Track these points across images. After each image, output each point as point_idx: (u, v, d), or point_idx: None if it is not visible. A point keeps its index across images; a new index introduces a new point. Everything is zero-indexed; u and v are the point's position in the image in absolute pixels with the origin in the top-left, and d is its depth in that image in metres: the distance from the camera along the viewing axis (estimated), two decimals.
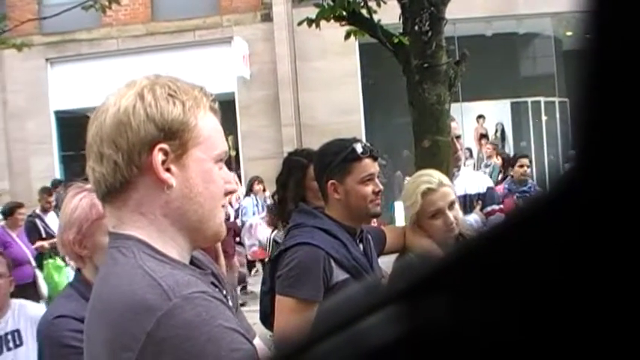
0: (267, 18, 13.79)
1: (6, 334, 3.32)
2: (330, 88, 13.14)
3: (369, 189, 2.56)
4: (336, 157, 2.58)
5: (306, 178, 3.34)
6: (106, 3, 6.64)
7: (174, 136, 1.25)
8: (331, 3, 4.41)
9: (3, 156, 14.98)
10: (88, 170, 1.32)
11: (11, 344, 3.31)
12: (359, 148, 2.56)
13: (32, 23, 10.23)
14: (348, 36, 4.96)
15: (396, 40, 4.12)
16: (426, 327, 0.37)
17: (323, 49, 12.77)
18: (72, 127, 15.27)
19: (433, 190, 2.71)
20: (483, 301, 0.36)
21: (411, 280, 0.40)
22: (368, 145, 2.64)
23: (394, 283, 0.41)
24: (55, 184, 13.07)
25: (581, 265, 0.34)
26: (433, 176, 2.81)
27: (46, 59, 14.80)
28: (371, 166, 2.59)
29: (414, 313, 0.38)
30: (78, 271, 2.20)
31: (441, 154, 3.81)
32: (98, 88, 14.34)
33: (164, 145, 1.24)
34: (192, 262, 1.33)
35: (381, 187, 2.64)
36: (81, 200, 2.17)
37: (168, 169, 1.25)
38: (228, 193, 1.36)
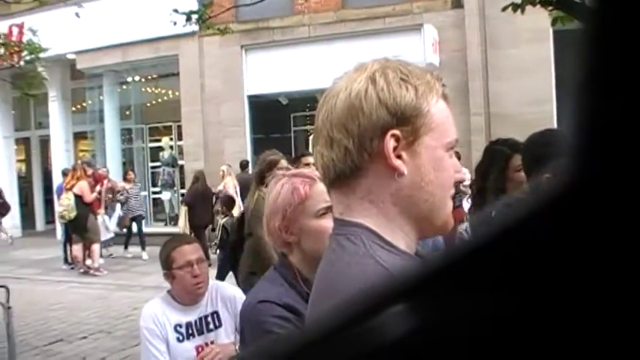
0: (458, 4, 13.53)
1: (206, 316, 3.43)
2: (522, 77, 12.66)
3: None
4: (550, 149, 2.43)
5: (509, 168, 3.22)
6: None
7: (406, 122, 1.20)
8: None
9: (199, 137, 15.81)
10: (315, 155, 1.30)
11: (212, 325, 3.42)
12: None
13: (229, 12, 10.68)
14: (554, 22, 4.73)
15: None
16: (439, 322, 0.38)
17: (515, 36, 12.34)
18: (263, 111, 15.89)
19: None
20: (493, 298, 0.37)
21: (424, 274, 0.40)
22: None
23: (408, 277, 0.42)
24: (244, 165, 13.69)
25: (585, 263, 0.35)
26: None
27: (241, 46, 15.39)
28: None
29: (428, 308, 0.38)
30: (282, 255, 2.22)
31: None
32: (290, 74, 14.84)
33: (396, 131, 1.19)
34: (415, 254, 1.29)
35: None
36: (283, 187, 2.19)
37: (399, 156, 1.20)
38: (457, 182, 1.30)
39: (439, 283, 0.39)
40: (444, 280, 0.39)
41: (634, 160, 0.34)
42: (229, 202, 9.50)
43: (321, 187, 2.12)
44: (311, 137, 17.24)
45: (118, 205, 14.54)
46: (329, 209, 2.12)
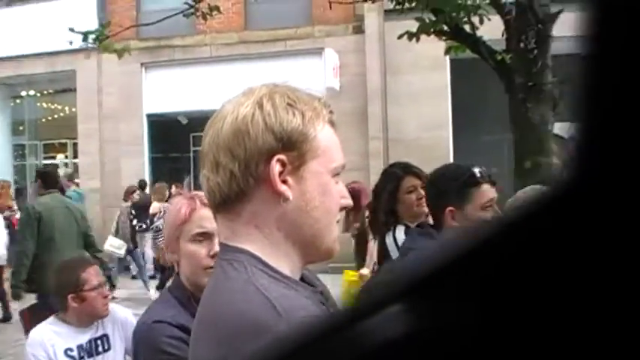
0: (359, 30, 13.76)
1: (96, 338, 3.36)
2: (420, 103, 12.98)
3: (489, 215, 2.45)
4: (454, 183, 2.48)
5: (400, 190, 3.31)
6: (207, 11, 6.73)
7: (292, 147, 1.20)
8: (432, 17, 4.33)
9: (96, 156, 15.42)
10: (201, 179, 1.28)
11: (100, 348, 3.35)
12: (477, 173, 2.47)
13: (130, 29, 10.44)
14: (448, 51, 4.89)
15: (499, 57, 4.01)
16: (433, 325, 0.38)
17: (414, 63, 12.64)
18: (162, 130, 15.66)
19: None
20: (483, 304, 0.37)
21: (417, 277, 0.40)
22: (484, 169, 2.53)
23: (402, 279, 0.41)
24: (142, 185, 13.38)
25: (578, 268, 0.35)
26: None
27: (141, 64, 15.15)
28: (490, 191, 2.48)
29: (421, 312, 0.38)
30: (177, 275, 2.20)
31: (541, 176, 3.68)
32: (190, 93, 14.62)
33: (282, 156, 1.19)
34: (301, 279, 1.28)
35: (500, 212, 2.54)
36: (175, 205, 2.19)
37: (284, 181, 1.19)
38: (343, 208, 1.31)
39: (436, 284, 0.38)
40: (441, 281, 0.38)
41: (633, 160, 0.33)
42: None
43: (202, 212, 2.11)
44: None
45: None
46: (204, 235, 2.12)
